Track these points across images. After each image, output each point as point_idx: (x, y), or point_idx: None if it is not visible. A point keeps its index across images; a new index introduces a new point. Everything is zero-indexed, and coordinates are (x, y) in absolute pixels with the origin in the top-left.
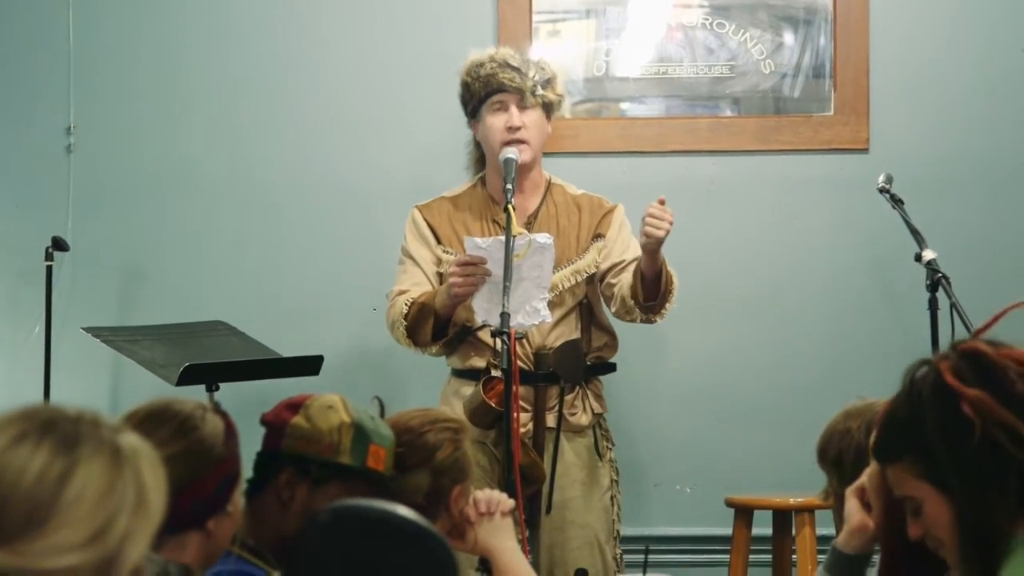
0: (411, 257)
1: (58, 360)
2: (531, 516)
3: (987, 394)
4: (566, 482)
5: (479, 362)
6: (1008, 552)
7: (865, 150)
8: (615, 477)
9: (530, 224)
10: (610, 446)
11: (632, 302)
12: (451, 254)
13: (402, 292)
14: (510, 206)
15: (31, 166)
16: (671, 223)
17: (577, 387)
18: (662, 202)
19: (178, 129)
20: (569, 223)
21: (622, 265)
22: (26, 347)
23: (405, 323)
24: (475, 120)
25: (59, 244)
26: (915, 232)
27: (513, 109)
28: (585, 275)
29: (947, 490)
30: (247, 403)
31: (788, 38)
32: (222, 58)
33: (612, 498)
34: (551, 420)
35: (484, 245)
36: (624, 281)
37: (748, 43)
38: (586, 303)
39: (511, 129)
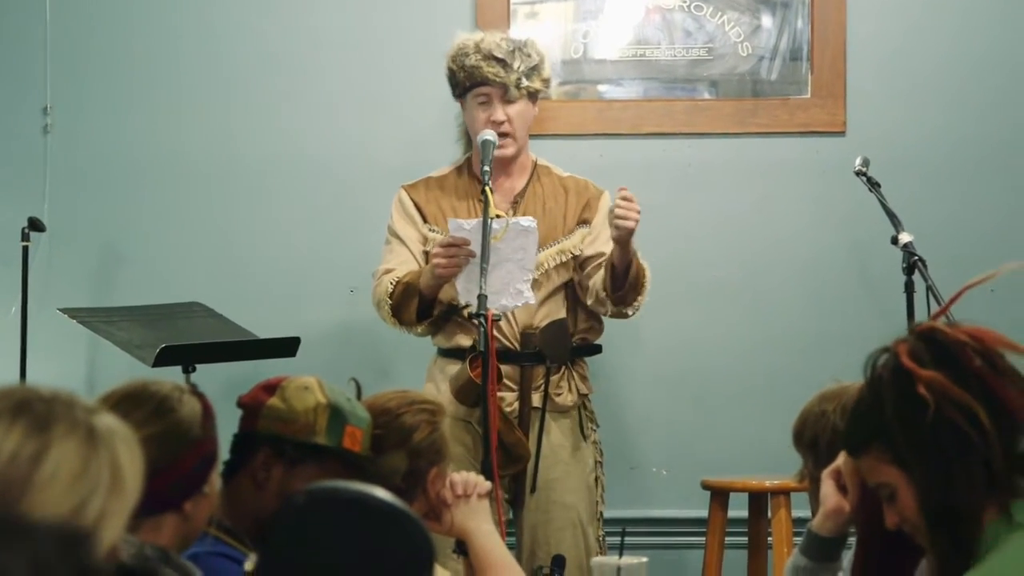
0: (397, 236)
1: (34, 341)
2: (515, 496)
3: (943, 374)
4: (551, 462)
5: (465, 341)
6: (985, 533)
7: (842, 133)
8: (599, 458)
9: (516, 203)
10: (594, 427)
11: (604, 294)
12: (437, 232)
13: (388, 271)
14: (487, 188)
15: (7, 146)
16: (639, 212)
17: (563, 367)
18: (628, 197)
19: (158, 109)
20: (556, 204)
21: (602, 259)
22: (2, 328)
23: (390, 302)
24: (462, 99)
25: (35, 224)
26: (892, 215)
27: (496, 104)
28: (570, 255)
29: (912, 472)
30: (224, 385)
31: (766, 21)
32: (205, 39)
33: (596, 479)
34: (536, 400)
35: (468, 227)
36: (597, 276)
37: (726, 26)
38: (572, 285)
39: (495, 123)
